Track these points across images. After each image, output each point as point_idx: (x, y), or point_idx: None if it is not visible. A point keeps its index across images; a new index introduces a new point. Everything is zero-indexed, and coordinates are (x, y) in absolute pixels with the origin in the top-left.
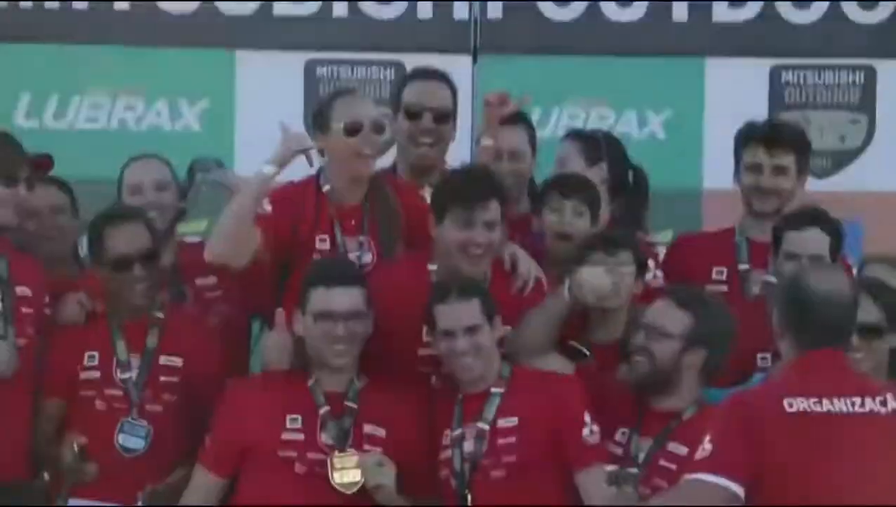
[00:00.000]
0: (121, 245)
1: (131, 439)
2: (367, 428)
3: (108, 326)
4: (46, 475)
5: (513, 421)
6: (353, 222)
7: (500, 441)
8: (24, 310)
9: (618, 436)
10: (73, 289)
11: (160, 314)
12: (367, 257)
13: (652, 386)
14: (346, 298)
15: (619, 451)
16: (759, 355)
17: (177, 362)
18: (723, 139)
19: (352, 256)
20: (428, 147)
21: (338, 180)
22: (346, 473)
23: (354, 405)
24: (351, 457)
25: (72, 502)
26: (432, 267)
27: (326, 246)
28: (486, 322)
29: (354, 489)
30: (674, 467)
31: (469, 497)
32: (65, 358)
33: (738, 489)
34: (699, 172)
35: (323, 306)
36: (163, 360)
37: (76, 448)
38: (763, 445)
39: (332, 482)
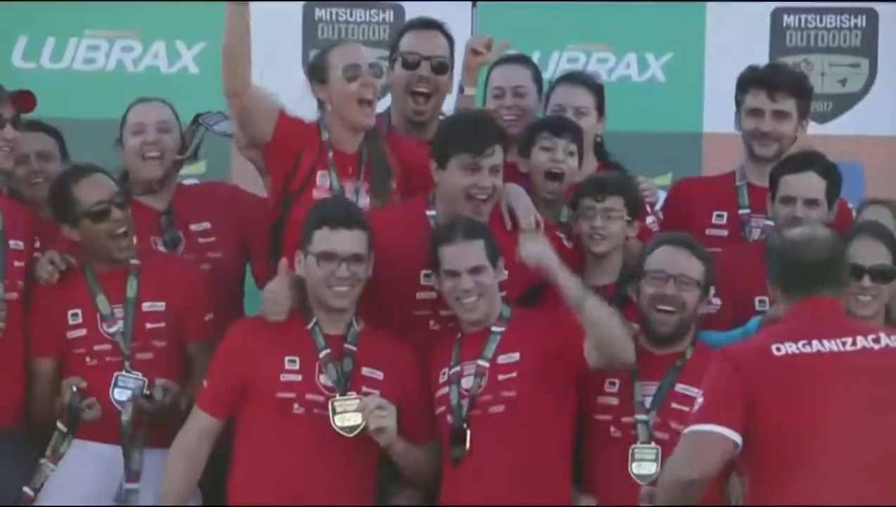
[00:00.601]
0: (94, 195)
1: (126, 392)
2: (365, 371)
3: (87, 281)
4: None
5: (514, 357)
6: (349, 170)
7: (501, 377)
8: (16, 264)
9: (607, 387)
10: (57, 236)
11: (136, 261)
12: (363, 203)
13: (676, 334)
14: (349, 239)
15: (614, 401)
16: (756, 299)
17: (160, 306)
18: (723, 83)
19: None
20: (424, 100)
21: (337, 129)
22: (347, 416)
23: (354, 348)
24: (352, 400)
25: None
26: (431, 213)
27: (326, 183)
28: (490, 264)
29: (355, 433)
30: (688, 408)
31: (468, 433)
32: (50, 318)
33: (735, 437)
34: (700, 115)
35: (326, 247)
36: (146, 307)
37: (75, 389)
38: (754, 390)
39: (333, 426)
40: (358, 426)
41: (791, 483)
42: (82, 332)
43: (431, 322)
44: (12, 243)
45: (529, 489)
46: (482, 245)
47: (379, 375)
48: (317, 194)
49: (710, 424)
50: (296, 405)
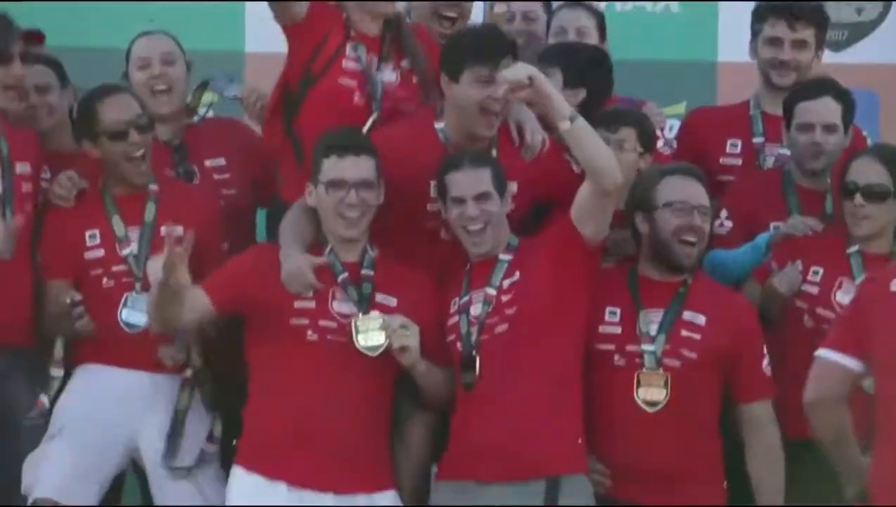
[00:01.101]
0: (115, 114)
1: (135, 314)
2: (379, 297)
3: (104, 203)
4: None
5: (514, 277)
6: (375, 49)
7: (504, 298)
8: (24, 187)
9: (608, 317)
10: (71, 163)
11: (154, 187)
12: (392, 77)
13: (696, 265)
14: (357, 166)
15: (617, 330)
16: (772, 225)
17: (177, 231)
18: (738, 13)
19: (378, 75)
20: (450, 24)
21: (358, 14)
22: (371, 335)
23: (371, 273)
24: (375, 319)
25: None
26: (439, 126)
27: (355, 54)
28: (497, 192)
29: (378, 352)
30: (697, 336)
31: (477, 359)
32: (66, 240)
33: (850, 362)
34: (715, 45)
35: (335, 175)
36: (163, 231)
37: (70, 299)
38: (870, 320)
39: (357, 345)
40: (381, 345)
41: None
42: (100, 253)
43: (442, 231)
44: (19, 167)
45: (540, 409)
46: (489, 173)
47: (392, 301)
48: (346, 65)
49: (828, 350)
50: (309, 332)
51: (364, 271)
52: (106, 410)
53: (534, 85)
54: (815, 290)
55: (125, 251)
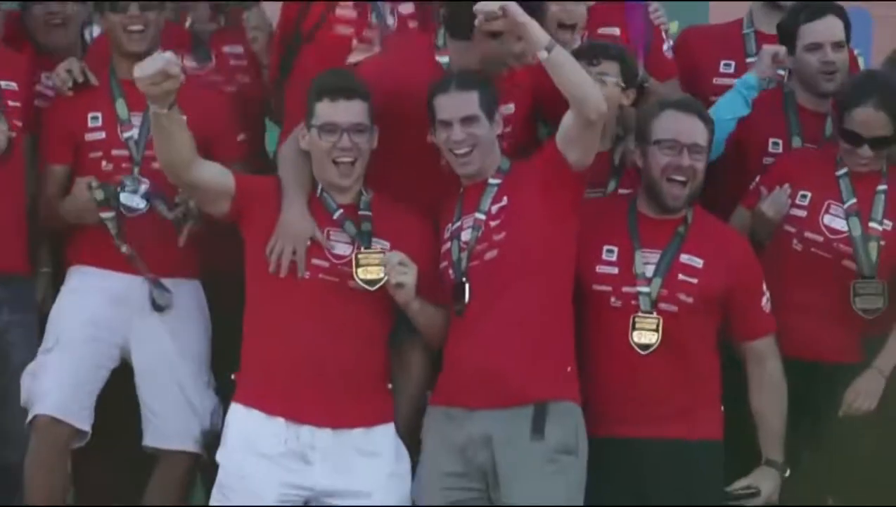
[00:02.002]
0: None
1: (134, 198)
2: (373, 240)
3: (110, 85)
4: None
5: (502, 203)
6: None
7: (492, 224)
8: (11, 103)
9: (605, 255)
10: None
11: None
12: (390, 21)
13: (686, 205)
14: (349, 110)
15: (614, 271)
16: (770, 141)
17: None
18: None
19: (372, 17)
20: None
21: None
22: (370, 270)
23: (368, 213)
24: (375, 254)
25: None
26: (443, 59)
27: (347, 12)
28: (485, 115)
29: (377, 287)
30: (694, 280)
31: (467, 286)
32: (68, 123)
33: None
34: None
35: (327, 118)
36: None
37: (94, 183)
38: None
39: (356, 279)
40: (380, 279)
41: None
42: (101, 135)
43: (443, 160)
44: (4, 84)
45: (524, 334)
46: (476, 96)
47: (386, 244)
48: (340, 13)
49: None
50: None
51: (361, 212)
52: (100, 316)
53: (507, 15)
54: (802, 214)
55: (126, 134)
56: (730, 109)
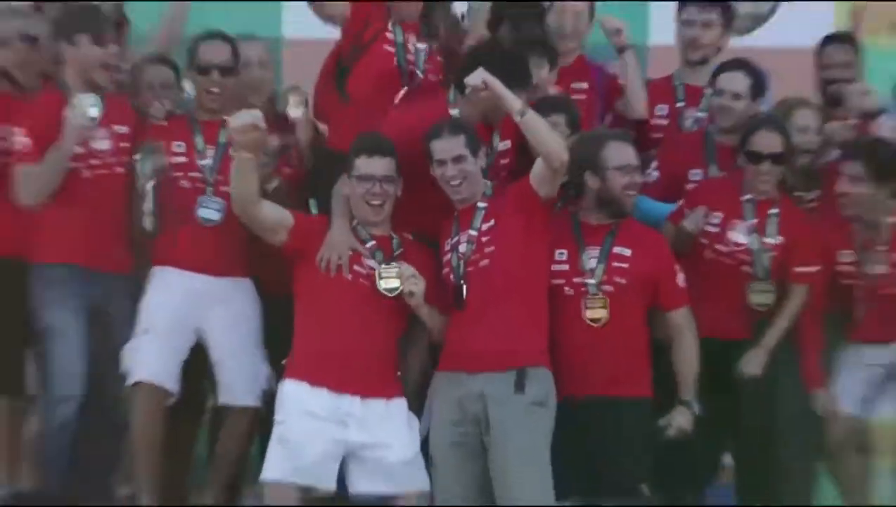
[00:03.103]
0: (206, 55)
1: (208, 211)
2: (400, 263)
3: (191, 123)
4: None
5: (491, 223)
6: (413, 30)
7: (483, 239)
8: (122, 144)
9: (557, 257)
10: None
11: (228, 117)
12: (423, 48)
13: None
14: (381, 164)
15: (566, 267)
16: (690, 172)
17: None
18: (667, 8)
19: (410, 46)
20: None
21: (399, 8)
22: (389, 281)
23: (401, 251)
24: (393, 268)
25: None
26: (454, 112)
27: (390, 44)
28: (470, 154)
29: (394, 293)
30: (625, 265)
31: (464, 287)
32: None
33: None
34: (647, 30)
35: (364, 171)
36: (231, 152)
37: (153, 149)
38: None
39: (379, 287)
40: (396, 288)
41: None
42: (182, 159)
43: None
44: (116, 128)
45: (509, 320)
46: (463, 139)
47: (408, 268)
48: (388, 36)
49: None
50: (344, 270)
51: (395, 252)
52: (179, 307)
53: (489, 87)
54: (714, 229)
55: (201, 162)
56: (658, 211)
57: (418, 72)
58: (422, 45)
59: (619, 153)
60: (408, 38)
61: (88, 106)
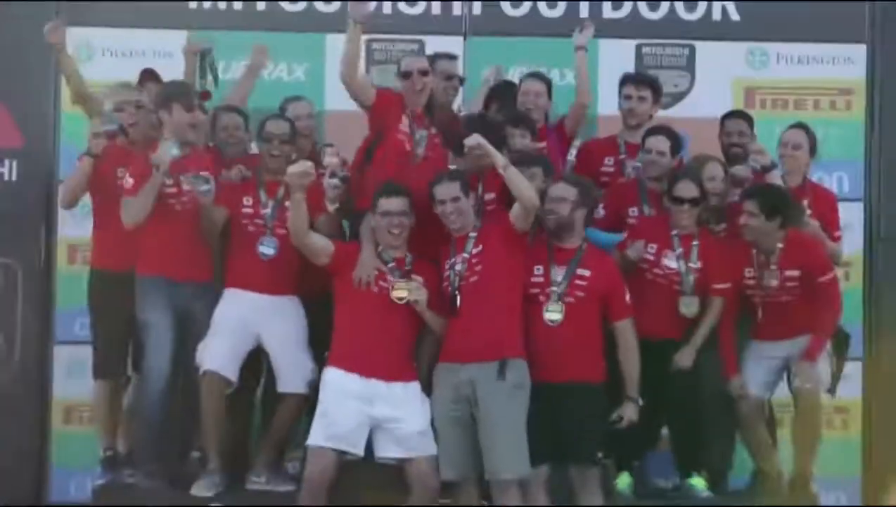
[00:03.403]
0: (270, 128)
1: (267, 248)
2: (415, 277)
3: (258, 182)
4: None
5: (479, 249)
6: (418, 117)
7: (473, 260)
8: (204, 188)
9: (535, 272)
10: (245, 162)
11: (284, 177)
12: (425, 134)
13: (559, 232)
14: (397, 202)
15: (541, 280)
16: (629, 210)
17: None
18: (612, 87)
19: (416, 135)
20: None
21: (410, 102)
22: (399, 291)
23: (411, 268)
24: (403, 282)
25: (227, 292)
26: (453, 167)
27: (404, 134)
28: (464, 196)
29: (403, 302)
30: (584, 283)
31: (458, 297)
32: (233, 198)
33: None
34: (596, 106)
35: (385, 208)
36: (287, 204)
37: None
38: None
39: (391, 296)
40: (404, 297)
41: None
42: (249, 210)
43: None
44: (203, 174)
45: (493, 322)
46: (458, 184)
47: (420, 279)
48: (401, 127)
49: None
50: (372, 286)
51: (407, 268)
52: (242, 318)
53: (481, 147)
54: (651, 257)
55: (263, 211)
56: (607, 241)
57: (420, 151)
58: (423, 132)
59: (554, 189)
60: (414, 127)
61: (170, 148)
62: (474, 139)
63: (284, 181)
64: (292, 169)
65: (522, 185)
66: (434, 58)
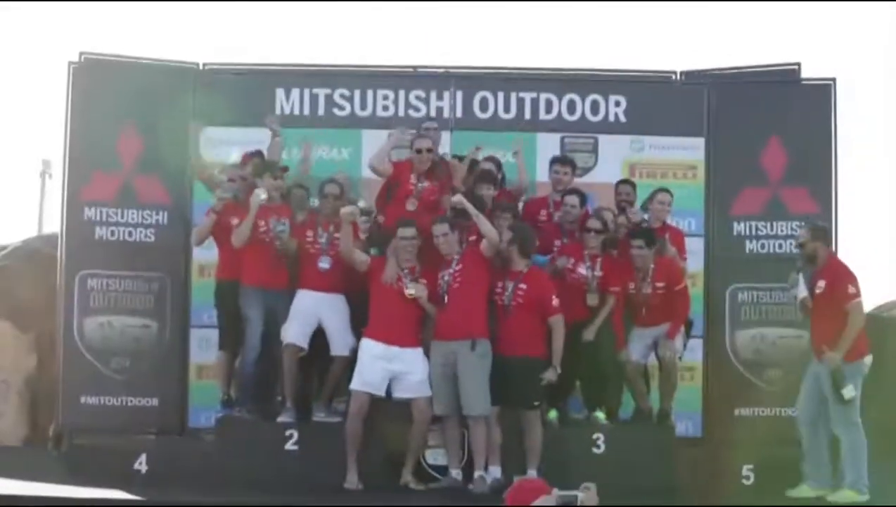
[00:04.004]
0: (326, 189)
1: (324, 264)
2: (421, 280)
3: (317, 222)
4: None
5: (460, 267)
6: (423, 174)
7: (456, 274)
8: (281, 228)
9: (497, 288)
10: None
11: (339, 217)
12: (426, 185)
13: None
14: (410, 231)
15: (500, 291)
16: (555, 241)
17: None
18: (545, 163)
19: (419, 186)
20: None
21: (417, 162)
22: (410, 290)
23: (419, 274)
24: (412, 284)
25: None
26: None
27: (413, 181)
28: (451, 232)
29: (413, 297)
30: (522, 292)
31: (446, 297)
32: (300, 234)
33: None
34: (535, 173)
35: (402, 235)
36: (335, 235)
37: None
38: None
39: (405, 293)
40: (413, 294)
41: None
42: (311, 239)
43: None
44: (282, 219)
45: (468, 314)
46: (447, 225)
47: (424, 281)
48: (411, 180)
49: None
50: (396, 287)
51: (416, 274)
52: (309, 307)
53: (461, 204)
54: (570, 267)
55: (321, 240)
56: (542, 261)
57: (422, 195)
58: (423, 184)
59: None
60: (419, 182)
61: (260, 195)
62: (457, 199)
63: (334, 221)
64: (344, 210)
65: (486, 228)
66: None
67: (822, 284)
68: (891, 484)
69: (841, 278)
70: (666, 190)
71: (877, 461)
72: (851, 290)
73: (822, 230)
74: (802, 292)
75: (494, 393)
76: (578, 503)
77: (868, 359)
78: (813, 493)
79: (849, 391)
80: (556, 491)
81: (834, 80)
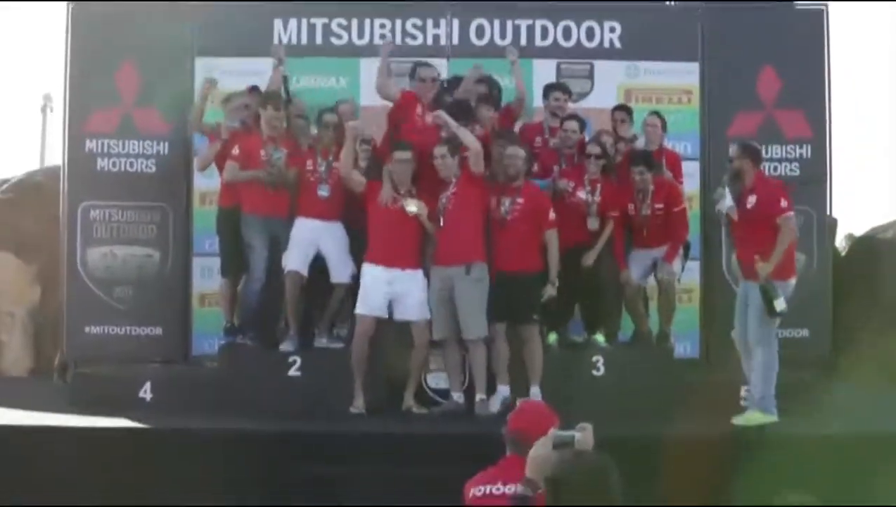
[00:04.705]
0: (325, 118)
1: (322, 191)
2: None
3: (316, 152)
4: None
5: (456, 189)
6: (427, 105)
7: (453, 195)
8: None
9: (494, 203)
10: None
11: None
12: (429, 119)
13: (514, 176)
14: (406, 154)
15: (495, 207)
16: (554, 166)
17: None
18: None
19: (426, 117)
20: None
21: (421, 92)
22: (410, 206)
23: (414, 194)
24: (412, 200)
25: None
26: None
27: (420, 113)
28: (450, 155)
29: (412, 214)
30: (519, 206)
31: (441, 219)
32: (299, 163)
33: None
34: (533, 99)
35: (398, 157)
36: (334, 164)
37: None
38: None
39: (406, 210)
40: (413, 210)
41: None
42: (311, 168)
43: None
44: (282, 149)
45: (464, 236)
46: (446, 148)
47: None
48: (417, 111)
49: None
50: (391, 205)
51: (412, 193)
52: (308, 235)
53: (440, 117)
54: (570, 190)
55: (320, 169)
56: (542, 185)
57: (428, 123)
58: (428, 119)
59: (510, 149)
60: (425, 110)
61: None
62: (436, 113)
63: (333, 150)
64: (350, 123)
65: (468, 139)
66: (417, 66)
67: (752, 199)
68: (889, 414)
69: (772, 192)
70: (655, 113)
71: (873, 391)
72: (784, 203)
73: (753, 149)
74: (728, 203)
75: (496, 309)
76: (575, 444)
77: (793, 281)
78: (764, 419)
79: (780, 304)
80: (553, 431)
81: (826, 4)
